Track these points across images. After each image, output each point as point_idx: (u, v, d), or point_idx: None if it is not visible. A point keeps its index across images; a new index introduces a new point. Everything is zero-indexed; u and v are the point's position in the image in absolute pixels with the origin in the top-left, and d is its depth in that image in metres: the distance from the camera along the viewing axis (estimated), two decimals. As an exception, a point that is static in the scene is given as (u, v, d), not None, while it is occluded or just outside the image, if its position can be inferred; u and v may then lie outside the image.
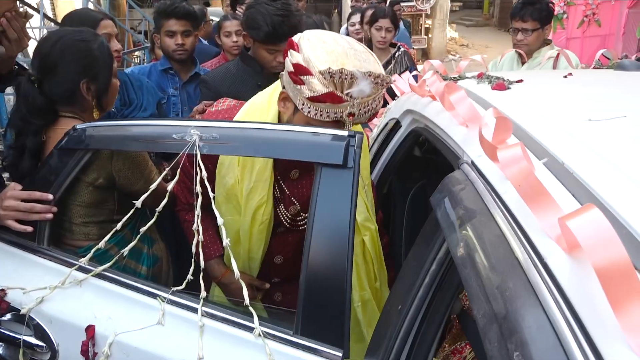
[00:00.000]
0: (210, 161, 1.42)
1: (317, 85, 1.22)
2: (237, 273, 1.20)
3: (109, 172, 1.53)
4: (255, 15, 2.06)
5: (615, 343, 0.48)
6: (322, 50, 1.26)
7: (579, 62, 2.71)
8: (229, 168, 1.44)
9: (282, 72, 1.36)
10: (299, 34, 1.35)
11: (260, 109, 1.46)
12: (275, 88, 1.49)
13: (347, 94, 1.22)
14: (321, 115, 1.27)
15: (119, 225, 1.38)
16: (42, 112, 1.52)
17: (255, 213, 1.44)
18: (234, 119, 1.47)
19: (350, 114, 1.26)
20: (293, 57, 1.28)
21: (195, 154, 1.26)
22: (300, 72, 1.25)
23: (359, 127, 1.54)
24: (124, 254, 1.36)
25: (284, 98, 1.37)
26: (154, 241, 1.72)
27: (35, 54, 1.55)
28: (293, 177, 1.51)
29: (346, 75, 1.19)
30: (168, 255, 1.80)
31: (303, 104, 1.29)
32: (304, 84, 1.25)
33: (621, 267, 0.50)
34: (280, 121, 1.42)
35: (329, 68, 1.19)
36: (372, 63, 1.29)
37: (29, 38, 1.66)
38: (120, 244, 1.49)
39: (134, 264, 1.64)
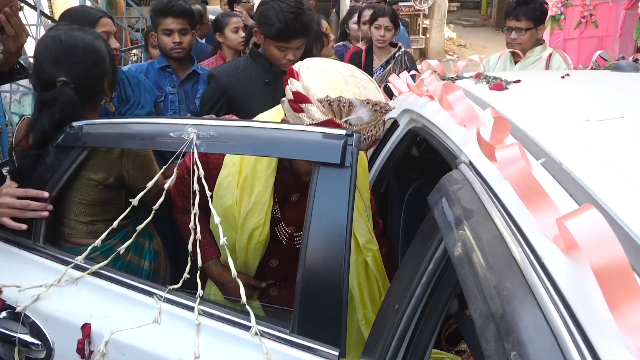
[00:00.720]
0: (213, 167, 1.43)
1: (316, 113, 1.24)
2: (234, 272, 1.21)
3: (119, 172, 1.53)
4: (268, 11, 2.07)
5: (613, 343, 0.49)
6: (321, 78, 1.27)
7: (571, 62, 2.73)
8: (227, 189, 1.43)
9: (283, 99, 1.37)
10: (299, 63, 1.36)
11: None
12: (278, 112, 1.48)
13: (345, 121, 1.23)
14: None
15: (115, 224, 1.37)
16: (80, 112, 1.51)
17: (252, 233, 1.45)
18: None
19: None
20: (293, 85, 1.29)
21: (193, 153, 1.26)
22: (299, 100, 1.27)
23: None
24: (121, 251, 1.36)
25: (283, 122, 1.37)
26: (153, 236, 1.74)
27: (62, 61, 1.50)
28: (294, 199, 1.52)
29: (344, 103, 1.21)
30: (165, 250, 1.81)
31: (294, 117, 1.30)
32: (303, 112, 1.27)
33: (619, 267, 0.50)
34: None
35: (327, 96, 1.20)
36: (371, 90, 1.30)
37: (28, 34, 1.65)
38: (124, 241, 1.49)
39: (137, 259, 1.65)
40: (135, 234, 1.37)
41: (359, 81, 1.30)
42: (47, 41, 1.53)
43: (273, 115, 1.49)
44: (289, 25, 2.04)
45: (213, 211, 1.24)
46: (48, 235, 1.48)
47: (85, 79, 1.52)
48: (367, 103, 1.21)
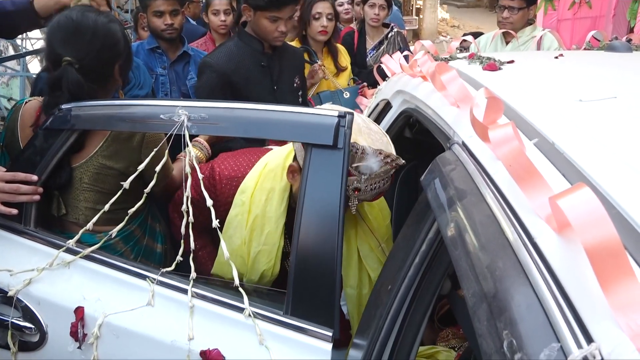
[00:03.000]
0: (223, 204, 1.42)
1: None
2: (237, 281, 1.20)
3: (139, 160, 1.47)
4: None
5: (604, 321, 0.49)
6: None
7: (561, 41, 2.74)
8: (236, 229, 1.41)
9: (296, 143, 1.36)
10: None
11: (274, 174, 1.44)
12: (289, 152, 1.46)
13: (355, 168, 1.23)
14: None
15: (106, 207, 1.36)
16: (87, 95, 1.48)
17: (262, 274, 1.44)
18: (249, 175, 1.44)
19: (356, 189, 1.27)
20: None
21: (184, 134, 1.25)
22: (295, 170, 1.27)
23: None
24: (112, 235, 1.35)
25: (292, 171, 1.37)
26: (159, 219, 1.74)
27: (71, 40, 1.47)
28: None
29: (357, 149, 1.22)
30: (167, 237, 1.80)
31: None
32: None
33: (611, 246, 0.50)
34: (291, 192, 1.42)
35: None
36: (385, 144, 1.30)
37: None
38: (142, 226, 1.56)
39: (151, 242, 1.66)
40: (126, 218, 1.35)
41: (373, 133, 1.31)
42: (60, 20, 1.49)
43: (283, 158, 1.46)
44: None
45: (223, 245, 1.22)
46: (39, 218, 1.46)
47: (92, 61, 1.47)
48: (380, 154, 1.23)
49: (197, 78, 2.33)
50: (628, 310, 0.47)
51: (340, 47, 3.08)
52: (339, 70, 2.97)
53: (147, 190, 1.33)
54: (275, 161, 1.47)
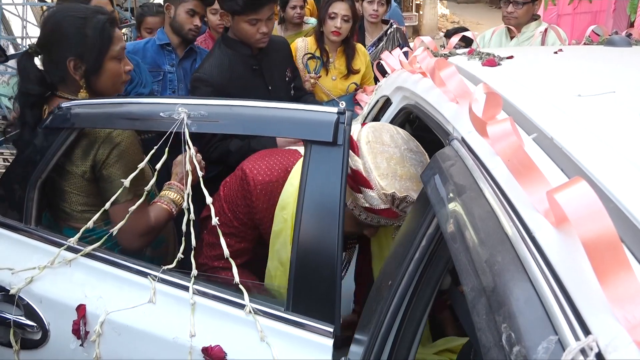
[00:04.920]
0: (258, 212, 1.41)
1: (376, 200, 1.25)
2: (237, 278, 1.21)
3: (92, 163, 1.46)
4: None
5: (601, 314, 0.49)
6: (382, 157, 1.27)
7: (566, 37, 2.72)
8: (283, 245, 1.38)
9: None
10: (358, 131, 1.34)
11: None
12: None
13: (401, 210, 1.27)
14: (370, 220, 1.32)
15: (107, 205, 1.36)
16: (37, 85, 1.49)
17: None
18: (286, 188, 1.39)
19: (399, 226, 1.30)
20: (352, 161, 1.28)
21: (184, 132, 1.25)
22: (359, 182, 1.27)
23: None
24: (113, 233, 1.35)
25: None
26: None
27: (40, 29, 1.52)
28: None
29: (408, 201, 1.24)
30: (175, 237, 1.77)
31: (354, 207, 1.31)
32: (361, 194, 1.27)
33: (608, 239, 0.50)
34: None
35: (394, 193, 1.23)
36: (424, 166, 1.31)
37: None
38: None
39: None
40: (127, 217, 1.36)
41: (414, 155, 1.34)
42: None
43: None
44: None
45: (224, 244, 1.23)
46: (39, 217, 1.47)
47: (47, 52, 1.50)
48: (394, 200, 1.25)
49: (191, 93, 2.28)
50: (625, 303, 0.47)
51: (360, 49, 2.92)
52: (350, 72, 2.84)
53: (148, 188, 1.34)
54: None
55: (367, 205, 1.27)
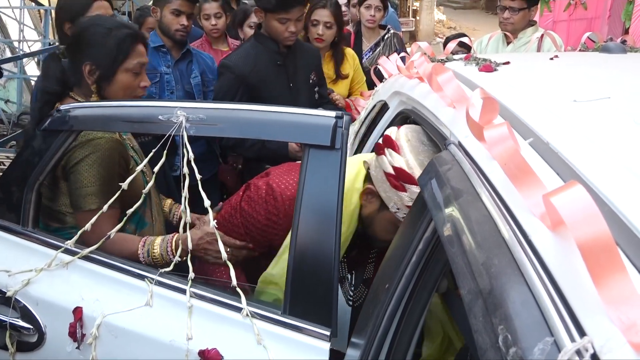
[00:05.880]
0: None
1: None
2: (234, 281, 1.19)
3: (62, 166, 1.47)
4: None
5: (596, 315, 0.50)
6: (424, 156, 1.27)
7: (562, 43, 2.74)
8: None
9: (367, 161, 1.35)
10: (395, 131, 1.34)
11: (345, 195, 1.36)
12: (357, 172, 1.43)
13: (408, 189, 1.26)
14: None
15: (104, 208, 1.36)
16: (56, 84, 1.54)
17: None
18: None
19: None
20: (394, 159, 1.28)
21: (182, 135, 1.25)
22: (403, 179, 1.26)
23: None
24: (111, 236, 1.35)
25: (369, 192, 1.36)
26: (144, 224, 1.64)
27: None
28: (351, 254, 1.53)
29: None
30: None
31: (398, 209, 1.29)
32: (406, 192, 1.26)
33: (603, 242, 0.51)
34: (360, 214, 1.41)
35: None
36: None
37: None
38: (134, 220, 1.53)
39: None
40: (124, 219, 1.35)
41: None
42: None
43: (351, 179, 1.41)
44: None
45: (221, 247, 1.23)
46: (37, 219, 1.47)
47: (70, 54, 1.57)
48: None
49: (217, 79, 2.46)
50: (619, 304, 0.48)
51: (349, 53, 2.97)
52: (339, 77, 2.90)
53: (145, 190, 1.34)
54: (345, 183, 1.41)
55: (410, 202, 1.25)
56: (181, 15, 2.52)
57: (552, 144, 0.81)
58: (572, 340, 0.50)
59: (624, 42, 2.10)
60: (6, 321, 1.33)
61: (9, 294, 1.33)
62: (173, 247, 1.39)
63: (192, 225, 1.61)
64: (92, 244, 1.34)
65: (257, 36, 2.37)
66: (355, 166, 1.46)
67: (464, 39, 2.69)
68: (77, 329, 1.27)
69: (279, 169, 1.52)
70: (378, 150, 1.36)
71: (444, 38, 3.29)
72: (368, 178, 1.41)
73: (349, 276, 1.67)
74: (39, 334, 1.33)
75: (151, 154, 1.39)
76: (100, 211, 1.34)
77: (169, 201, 1.84)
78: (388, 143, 1.32)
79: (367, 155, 1.53)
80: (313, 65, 2.49)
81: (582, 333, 0.50)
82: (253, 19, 2.96)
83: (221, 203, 1.63)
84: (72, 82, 1.57)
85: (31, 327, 1.33)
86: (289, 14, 2.17)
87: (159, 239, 1.45)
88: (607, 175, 0.68)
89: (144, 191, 1.33)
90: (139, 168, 1.34)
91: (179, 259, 1.30)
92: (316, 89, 2.50)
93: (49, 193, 1.50)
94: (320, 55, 2.64)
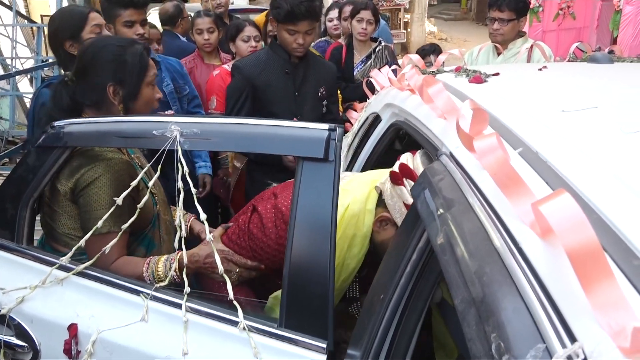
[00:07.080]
0: None
1: None
2: (231, 294, 1.19)
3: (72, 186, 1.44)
4: None
5: (586, 321, 0.51)
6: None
7: (552, 54, 2.78)
8: None
9: (379, 186, 1.37)
10: (409, 157, 1.36)
11: (357, 220, 1.41)
12: (369, 194, 1.45)
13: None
14: None
15: (99, 224, 1.36)
16: (67, 111, 1.51)
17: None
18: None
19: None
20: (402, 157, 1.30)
21: (176, 150, 1.26)
22: (405, 174, 1.27)
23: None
24: (106, 251, 1.34)
25: (384, 220, 1.38)
26: (154, 246, 1.60)
27: (76, 57, 1.59)
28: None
29: None
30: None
31: (401, 213, 1.30)
32: (406, 187, 1.28)
33: (591, 249, 0.52)
34: (372, 239, 1.42)
35: None
36: None
37: None
38: (148, 246, 1.53)
39: None
40: (119, 232, 1.35)
41: None
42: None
43: (363, 201, 1.43)
44: (294, 8, 2.19)
45: (219, 264, 1.24)
46: (31, 236, 1.46)
47: (82, 80, 1.54)
48: None
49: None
50: (608, 310, 0.49)
51: None
52: None
53: (140, 205, 1.34)
54: (357, 205, 1.42)
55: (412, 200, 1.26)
56: (134, 25, 2.39)
57: (541, 154, 0.83)
58: (564, 346, 0.51)
59: (611, 52, 2.14)
60: (0, 339, 1.32)
61: (3, 311, 1.32)
62: (177, 266, 1.37)
63: (199, 238, 1.62)
64: (100, 267, 1.34)
65: (271, 45, 2.49)
66: (367, 186, 1.46)
67: (453, 51, 2.72)
68: (72, 346, 1.26)
69: (285, 190, 1.50)
70: (395, 179, 1.35)
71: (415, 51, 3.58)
72: (380, 202, 1.41)
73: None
74: (34, 352, 1.32)
75: (146, 168, 1.40)
76: (93, 228, 1.33)
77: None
78: (406, 173, 1.31)
79: (376, 176, 1.52)
80: (324, 80, 2.53)
81: (572, 339, 0.51)
82: (246, 33, 2.99)
83: (231, 223, 1.60)
84: (88, 104, 1.54)
85: (26, 344, 1.32)
86: (297, 27, 2.25)
87: (162, 259, 1.42)
88: (595, 184, 0.69)
89: (138, 205, 1.33)
90: (133, 183, 1.34)
91: (174, 273, 1.30)
92: (325, 102, 2.53)
93: (54, 216, 1.47)
94: (335, 73, 2.67)
